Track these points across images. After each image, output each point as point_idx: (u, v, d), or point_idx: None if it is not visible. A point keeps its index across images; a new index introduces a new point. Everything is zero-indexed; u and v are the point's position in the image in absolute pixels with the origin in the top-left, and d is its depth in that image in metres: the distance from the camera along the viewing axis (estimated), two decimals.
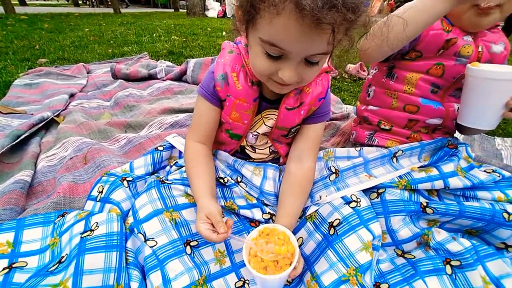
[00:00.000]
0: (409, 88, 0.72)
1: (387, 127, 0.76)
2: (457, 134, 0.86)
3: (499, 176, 0.65)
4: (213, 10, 7.64)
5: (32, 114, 1.18)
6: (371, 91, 0.79)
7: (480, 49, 0.66)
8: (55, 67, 1.84)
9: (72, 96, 1.36)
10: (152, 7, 13.27)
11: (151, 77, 1.62)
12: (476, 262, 0.54)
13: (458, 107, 0.70)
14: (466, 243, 0.56)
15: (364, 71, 1.95)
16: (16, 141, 0.91)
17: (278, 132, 0.66)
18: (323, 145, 1.04)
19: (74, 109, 1.18)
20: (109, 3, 9.47)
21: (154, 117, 1.12)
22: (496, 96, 0.57)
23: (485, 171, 0.68)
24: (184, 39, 3.18)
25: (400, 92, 0.73)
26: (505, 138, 1.15)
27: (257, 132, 0.66)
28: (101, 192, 0.64)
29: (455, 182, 0.63)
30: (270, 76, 0.49)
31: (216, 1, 8.63)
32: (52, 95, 1.33)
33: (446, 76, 0.68)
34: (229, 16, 7.03)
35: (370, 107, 0.79)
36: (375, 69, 0.78)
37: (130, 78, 1.59)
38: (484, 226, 0.60)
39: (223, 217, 0.54)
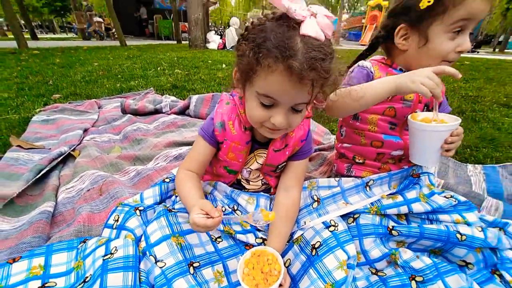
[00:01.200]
0: (372, 127, 0.85)
1: (361, 161, 0.89)
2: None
3: (455, 201, 0.77)
4: (214, 42, 8.15)
5: (50, 148, 1.31)
6: (343, 132, 0.93)
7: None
8: (69, 103, 2.02)
9: (85, 131, 1.50)
10: (156, 39, 14.09)
11: (157, 111, 1.78)
12: (436, 277, 0.63)
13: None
14: (427, 260, 0.66)
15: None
16: (39, 175, 1.03)
17: (268, 168, 0.78)
18: (311, 174, 1.16)
19: (88, 144, 1.32)
20: (115, 35, 10.09)
21: (160, 150, 1.25)
22: (431, 142, 0.70)
23: (445, 196, 0.79)
24: (187, 72, 3.43)
25: (366, 131, 0.86)
26: (476, 165, 1.27)
27: (250, 168, 0.79)
28: (117, 220, 0.75)
29: (418, 207, 0.74)
30: (263, 123, 0.62)
31: (216, 34, 9.25)
32: (67, 131, 1.47)
33: (398, 116, 0.82)
34: (228, 48, 7.51)
35: (345, 144, 0.92)
36: None
37: (138, 113, 1.75)
38: (443, 246, 0.70)
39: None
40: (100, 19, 12.44)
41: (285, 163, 0.80)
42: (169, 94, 2.31)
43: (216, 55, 5.76)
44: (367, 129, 0.86)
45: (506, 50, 19.41)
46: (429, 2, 0.67)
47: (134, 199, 0.85)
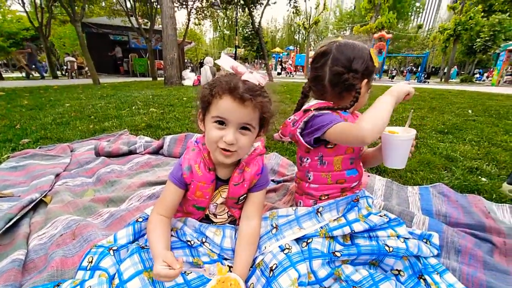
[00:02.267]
0: (337, 167, 0.98)
1: (326, 197, 1.02)
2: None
3: (387, 218, 0.94)
4: (189, 79, 8.49)
5: (19, 196, 1.32)
6: (310, 175, 1.03)
7: None
8: (39, 147, 2.02)
9: (57, 175, 1.53)
10: (131, 76, 14.27)
11: (132, 152, 1.86)
12: (372, 286, 0.76)
13: (368, 164, 1.08)
14: (364, 272, 0.79)
15: (283, 137, 2.34)
16: (9, 224, 1.04)
17: (231, 201, 0.91)
18: (276, 204, 1.29)
19: (60, 189, 1.35)
20: (88, 74, 10.08)
21: (134, 191, 1.32)
22: (406, 148, 0.91)
23: (379, 215, 0.96)
24: (162, 111, 3.56)
25: (332, 172, 0.99)
26: (414, 187, 1.49)
27: (216, 203, 0.91)
28: (91, 262, 0.80)
29: (357, 227, 0.89)
30: (218, 144, 0.76)
31: (192, 71, 9.68)
32: (38, 176, 1.49)
33: (356, 150, 0.99)
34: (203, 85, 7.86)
35: (312, 185, 1.03)
36: (307, 159, 1.02)
37: (112, 155, 1.81)
38: (377, 258, 0.85)
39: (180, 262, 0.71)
40: (72, 58, 12.46)
41: (245, 195, 0.93)
42: (143, 134, 2.40)
43: (191, 92, 6.01)
44: (333, 170, 0.98)
45: (450, 80, 22.29)
46: None
47: (108, 240, 0.91)
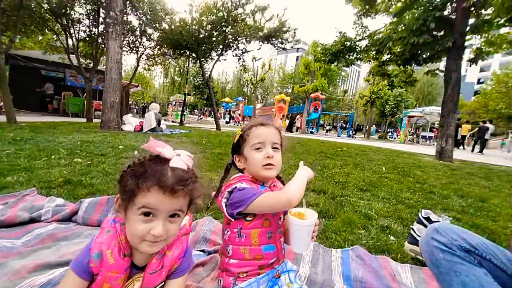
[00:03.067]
0: (255, 241, 1.00)
1: (245, 275, 1.00)
2: None
3: None
4: (130, 124, 8.01)
5: None
6: (229, 249, 1.02)
7: None
8: None
9: None
10: (62, 116, 12.77)
11: (34, 220, 1.55)
12: None
13: (285, 241, 1.09)
14: None
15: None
16: None
17: None
18: (203, 281, 1.19)
19: None
20: (2, 109, 8.58)
21: (23, 278, 1.06)
22: (307, 233, 0.97)
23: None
24: (89, 162, 3.19)
25: (249, 246, 1.00)
26: (337, 250, 1.60)
27: None
28: None
29: None
30: (144, 238, 0.70)
31: (135, 114, 9.25)
32: None
33: (273, 224, 1.03)
34: (144, 131, 7.51)
35: (231, 261, 1.01)
36: (227, 231, 1.04)
37: (5, 225, 1.47)
38: None
39: None
40: None
41: (163, 283, 0.84)
42: (57, 194, 2.05)
43: (130, 139, 5.63)
44: (250, 244, 0.99)
45: (371, 137, 26.80)
46: None
47: None
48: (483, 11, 6.42)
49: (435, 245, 0.96)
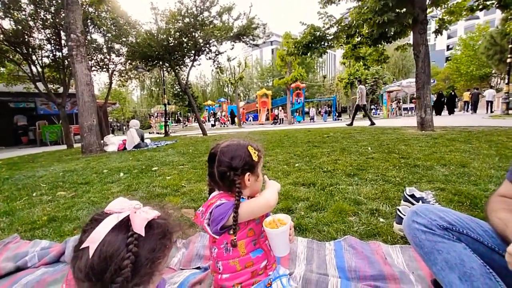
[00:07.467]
0: (242, 252, 1.01)
1: (239, 287, 1.01)
2: None
3: None
4: (113, 145, 7.81)
5: None
6: (220, 265, 1.03)
7: None
8: None
9: None
10: (39, 146, 12.27)
11: (20, 268, 1.49)
12: None
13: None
14: None
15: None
16: None
17: None
18: None
19: None
20: None
21: None
22: (284, 239, 1.02)
23: None
24: (73, 194, 3.09)
25: (238, 258, 1.01)
26: (331, 242, 1.63)
27: None
28: None
29: None
30: None
31: (117, 132, 9.00)
32: None
33: (256, 232, 1.05)
34: (128, 149, 7.34)
35: (224, 276, 1.02)
36: (215, 249, 1.04)
37: None
38: None
39: None
40: None
41: None
42: (43, 234, 1.98)
43: (115, 160, 5.48)
44: (238, 255, 1.01)
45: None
46: None
47: None
48: None
49: (416, 227, 1.00)
